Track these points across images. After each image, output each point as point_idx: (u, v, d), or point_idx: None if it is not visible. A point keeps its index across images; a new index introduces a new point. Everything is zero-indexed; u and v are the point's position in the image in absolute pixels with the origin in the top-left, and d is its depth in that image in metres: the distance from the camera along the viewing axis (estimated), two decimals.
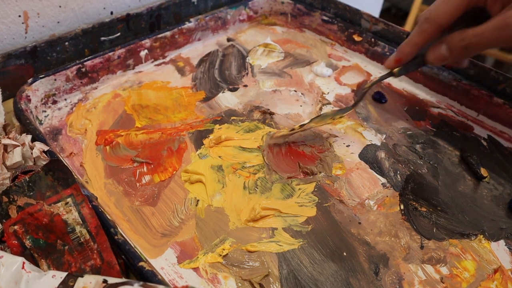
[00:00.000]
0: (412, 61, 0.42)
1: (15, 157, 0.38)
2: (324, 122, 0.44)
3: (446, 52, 0.39)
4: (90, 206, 0.32)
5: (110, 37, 0.56)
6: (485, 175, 0.43)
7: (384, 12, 2.09)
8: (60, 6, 0.53)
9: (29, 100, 0.46)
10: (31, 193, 0.31)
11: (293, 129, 0.44)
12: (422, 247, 0.37)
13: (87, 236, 0.31)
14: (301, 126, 0.43)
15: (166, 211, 0.39)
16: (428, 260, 0.36)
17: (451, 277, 0.35)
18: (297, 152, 0.44)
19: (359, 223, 0.38)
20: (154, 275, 0.30)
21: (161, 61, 0.57)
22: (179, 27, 0.57)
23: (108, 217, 0.33)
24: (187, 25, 0.58)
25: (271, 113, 0.49)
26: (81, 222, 0.31)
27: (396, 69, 0.43)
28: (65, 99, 0.50)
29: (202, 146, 0.45)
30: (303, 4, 0.64)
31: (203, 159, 0.43)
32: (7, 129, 0.42)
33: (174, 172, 0.42)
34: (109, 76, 0.53)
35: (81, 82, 0.50)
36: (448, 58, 0.39)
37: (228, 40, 0.62)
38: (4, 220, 0.31)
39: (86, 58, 0.50)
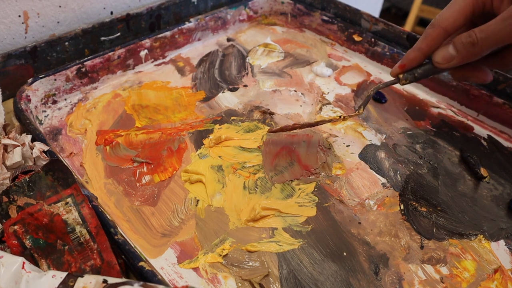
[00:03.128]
0: (420, 67, 0.40)
1: (15, 157, 0.38)
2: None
3: (453, 51, 0.37)
4: (90, 206, 0.32)
5: (110, 37, 0.56)
6: (485, 175, 0.43)
7: (384, 12, 2.09)
8: (60, 6, 0.53)
9: (29, 100, 0.46)
10: (31, 193, 0.31)
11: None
12: (422, 247, 0.37)
13: (87, 236, 0.31)
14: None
15: (166, 211, 0.39)
16: (428, 260, 0.36)
17: (451, 277, 0.35)
18: (297, 156, 0.44)
19: (359, 223, 0.38)
20: (154, 275, 0.30)
21: (161, 61, 0.57)
22: (179, 27, 0.57)
23: (108, 217, 0.33)
24: (187, 25, 0.58)
25: (271, 113, 0.49)
26: (81, 222, 0.31)
27: (401, 75, 0.41)
28: (65, 99, 0.50)
29: (202, 146, 0.45)
30: (303, 4, 0.64)
31: (203, 159, 0.43)
32: (7, 129, 0.42)
33: (174, 172, 0.42)
34: (109, 76, 0.53)
35: (81, 82, 0.50)
36: (456, 58, 0.37)
37: (228, 40, 0.62)
38: (4, 220, 0.31)
39: (86, 58, 0.50)
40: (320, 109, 0.51)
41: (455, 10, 0.37)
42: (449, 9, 0.38)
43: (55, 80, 0.48)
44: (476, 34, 0.35)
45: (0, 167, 0.37)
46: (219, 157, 0.44)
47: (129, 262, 0.32)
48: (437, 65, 0.39)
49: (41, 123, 0.47)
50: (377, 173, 0.43)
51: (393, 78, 0.42)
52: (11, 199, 0.31)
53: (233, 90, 0.53)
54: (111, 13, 0.58)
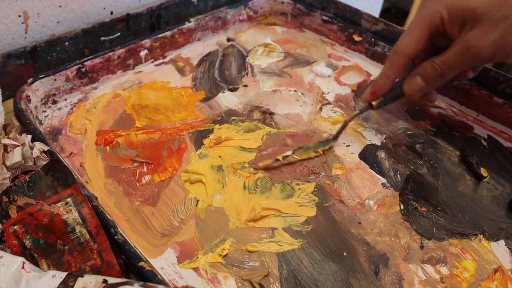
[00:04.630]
0: (389, 93, 0.43)
1: (15, 157, 0.38)
2: (308, 154, 0.43)
3: (422, 83, 0.41)
4: (90, 206, 0.32)
5: (110, 37, 0.56)
6: (485, 175, 0.43)
7: (384, 12, 2.09)
8: (60, 6, 0.53)
9: (29, 100, 0.46)
10: (31, 193, 0.31)
11: (277, 160, 0.43)
12: (422, 247, 0.37)
13: (87, 236, 0.31)
14: (284, 157, 0.43)
15: (166, 211, 0.39)
16: (428, 260, 0.36)
17: (451, 277, 0.35)
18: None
19: (359, 223, 0.38)
20: (154, 275, 0.30)
21: (161, 61, 0.57)
22: (179, 27, 0.57)
23: (108, 217, 0.33)
24: (187, 25, 0.58)
25: (271, 113, 0.49)
26: (81, 222, 0.31)
27: (374, 102, 0.43)
28: (65, 99, 0.50)
29: (202, 146, 0.45)
30: (303, 4, 0.64)
31: (203, 159, 0.43)
32: (7, 129, 0.42)
33: (174, 172, 0.42)
34: (109, 76, 0.53)
35: (81, 82, 0.50)
36: (426, 88, 0.41)
37: (228, 40, 0.62)
38: (4, 220, 0.31)
39: (86, 58, 0.50)
40: (320, 109, 0.51)
41: (414, 37, 0.40)
42: (409, 36, 0.41)
43: (55, 80, 0.48)
44: (440, 67, 0.39)
45: (0, 167, 0.37)
46: (219, 157, 0.44)
47: (129, 262, 0.32)
48: (407, 95, 0.42)
49: (41, 123, 0.47)
50: (377, 173, 0.43)
51: (364, 105, 0.44)
52: (11, 199, 0.31)
53: (233, 90, 0.53)
54: (111, 13, 0.58)
